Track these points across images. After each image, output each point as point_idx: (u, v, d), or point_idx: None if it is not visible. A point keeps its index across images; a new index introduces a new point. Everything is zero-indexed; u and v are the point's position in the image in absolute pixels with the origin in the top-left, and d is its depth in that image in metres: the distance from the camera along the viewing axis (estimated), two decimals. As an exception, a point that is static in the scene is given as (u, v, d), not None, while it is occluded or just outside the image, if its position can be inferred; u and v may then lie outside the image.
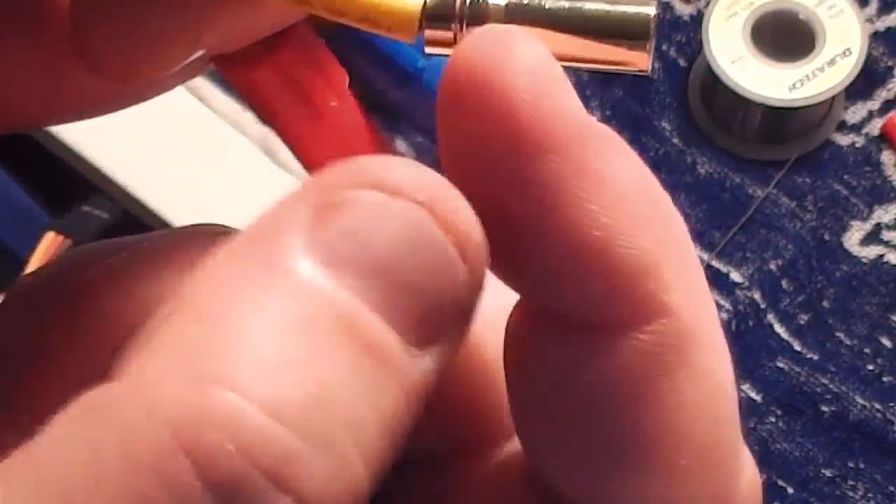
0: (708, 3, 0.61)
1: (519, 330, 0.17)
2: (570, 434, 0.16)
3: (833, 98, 0.61)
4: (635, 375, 0.16)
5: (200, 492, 0.13)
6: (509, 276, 0.17)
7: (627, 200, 0.16)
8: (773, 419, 0.58)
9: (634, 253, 0.16)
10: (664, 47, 0.65)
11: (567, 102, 0.15)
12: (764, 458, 0.57)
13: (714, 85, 0.61)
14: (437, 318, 0.15)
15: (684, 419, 0.16)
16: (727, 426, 0.17)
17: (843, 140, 0.63)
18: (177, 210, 0.64)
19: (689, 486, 0.16)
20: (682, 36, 0.65)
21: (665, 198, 0.16)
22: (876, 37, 0.64)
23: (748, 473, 0.18)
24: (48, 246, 0.60)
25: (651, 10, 0.17)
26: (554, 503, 0.17)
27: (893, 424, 0.58)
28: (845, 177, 0.62)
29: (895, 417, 0.58)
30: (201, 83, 0.66)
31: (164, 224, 0.64)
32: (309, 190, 0.15)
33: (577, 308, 0.16)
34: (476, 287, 0.15)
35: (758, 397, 0.58)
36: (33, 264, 0.59)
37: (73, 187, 0.71)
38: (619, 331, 0.16)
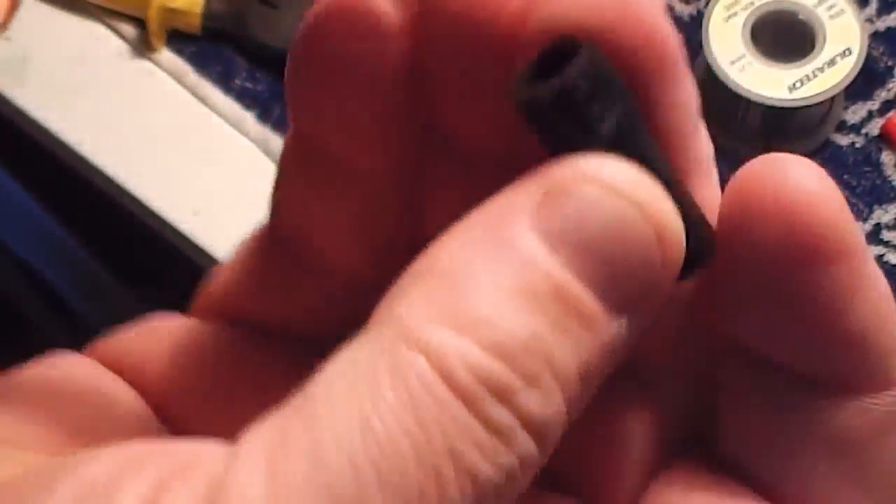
0: (708, 3, 0.61)
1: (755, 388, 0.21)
2: (803, 464, 0.20)
3: (833, 98, 0.61)
4: (868, 427, 0.20)
5: (447, 399, 0.17)
6: (767, 344, 0.20)
7: (881, 303, 0.20)
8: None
9: (885, 341, 0.20)
10: (664, 47, 0.65)
11: (847, 216, 0.19)
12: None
13: (714, 85, 0.61)
14: (634, 291, 0.18)
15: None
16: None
17: (843, 140, 0.63)
18: (177, 210, 0.64)
19: None
20: (681, 36, 0.65)
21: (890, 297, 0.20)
22: (876, 37, 0.64)
23: None
24: None
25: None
26: None
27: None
28: (845, 177, 0.62)
29: (895, 417, 0.58)
30: (201, 83, 0.66)
31: (164, 224, 0.64)
32: (536, 180, 0.18)
33: (831, 375, 0.20)
34: (669, 272, 0.18)
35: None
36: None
37: (73, 188, 0.71)
38: (857, 392, 0.20)
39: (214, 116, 0.66)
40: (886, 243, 0.61)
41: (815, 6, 0.61)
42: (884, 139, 0.63)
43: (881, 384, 0.20)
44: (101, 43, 0.68)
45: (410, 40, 0.20)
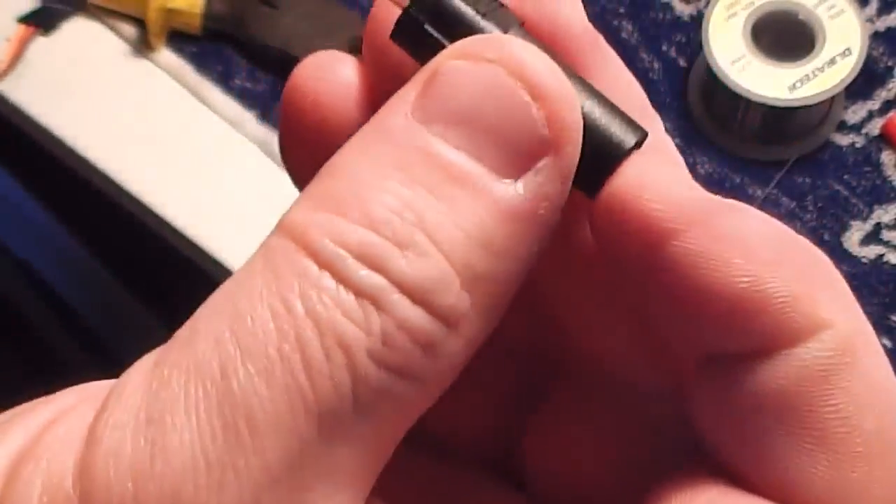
0: (708, 3, 0.61)
1: (697, 374, 0.20)
2: (753, 433, 0.19)
3: (833, 98, 0.61)
4: (808, 379, 0.19)
5: (308, 267, 0.17)
6: (683, 342, 0.20)
7: (761, 248, 0.19)
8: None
9: (783, 285, 0.19)
10: (664, 47, 0.65)
11: (679, 190, 0.19)
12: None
13: (714, 85, 0.61)
14: (519, 151, 0.18)
15: (855, 411, 0.19)
16: (891, 418, 0.20)
17: (843, 140, 0.63)
18: (177, 210, 0.64)
19: (863, 471, 0.19)
20: (682, 36, 0.65)
21: (800, 238, 0.19)
22: (876, 37, 0.64)
23: None
24: (20, 37, 0.67)
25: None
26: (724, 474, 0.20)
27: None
28: (845, 177, 0.62)
29: (895, 417, 0.58)
30: (201, 83, 0.66)
31: (164, 224, 0.64)
32: (416, 77, 0.19)
33: (746, 342, 0.19)
34: (555, 123, 0.18)
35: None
36: (8, 58, 0.67)
37: (73, 188, 0.71)
38: (786, 346, 0.19)
39: (214, 116, 0.66)
40: (886, 243, 0.61)
41: (815, 6, 0.61)
42: (884, 139, 0.63)
43: (801, 333, 0.19)
44: (101, 43, 0.68)
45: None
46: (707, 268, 0.19)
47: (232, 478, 0.17)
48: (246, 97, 0.66)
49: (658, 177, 0.19)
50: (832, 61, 0.60)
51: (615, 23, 0.66)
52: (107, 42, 0.68)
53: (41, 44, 0.68)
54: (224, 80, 0.66)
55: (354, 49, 0.64)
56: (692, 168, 0.63)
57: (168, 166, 0.65)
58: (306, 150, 0.22)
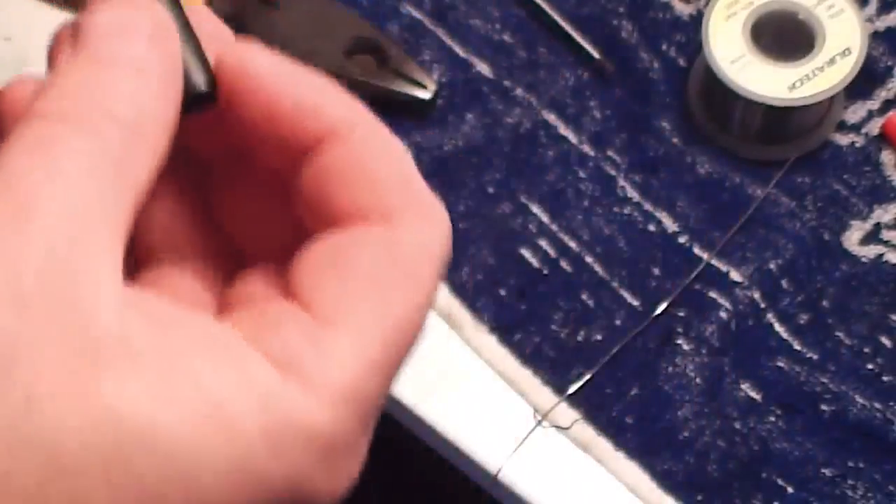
0: (708, 3, 0.61)
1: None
2: (326, 192, 0.28)
3: (833, 98, 0.61)
4: (349, 156, 0.28)
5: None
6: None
7: (279, 80, 0.28)
8: (772, 419, 0.58)
9: (289, 98, 0.28)
10: (664, 47, 0.65)
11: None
12: (764, 458, 0.57)
13: (714, 85, 0.61)
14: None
15: (379, 162, 0.28)
16: (401, 162, 0.28)
17: (843, 140, 0.63)
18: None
19: (393, 193, 0.27)
20: (682, 36, 0.65)
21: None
22: (876, 36, 0.65)
23: (431, 197, 0.28)
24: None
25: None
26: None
27: (893, 424, 0.58)
28: (845, 176, 0.62)
29: (895, 417, 0.58)
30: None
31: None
32: None
33: (284, 145, 0.28)
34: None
35: (758, 397, 0.58)
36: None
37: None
38: (324, 141, 0.28)
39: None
40: (886, 242, 0.61)
41: (815, 6, 0.61)
42: (884, 139, 0.63)
43: (326, 132, 0.28)
44: (102, 43, 0.68)
45: None
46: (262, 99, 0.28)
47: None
48: (246, 97, 0.66)
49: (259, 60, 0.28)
50: (832, 61, 0.60)
51: (615, 23, 0.66)
52: (107, 42, 0.68)
53: (41, 43, 0.68)
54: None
55: (354, 49, 0.64)
56: (692, 168, 0.63)
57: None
58: None
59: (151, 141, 0.26)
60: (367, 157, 0.27)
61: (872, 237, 0.61)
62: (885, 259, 0.61)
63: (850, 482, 0.57)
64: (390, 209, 0.27)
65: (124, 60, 0.26)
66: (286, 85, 0.28)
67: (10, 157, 0.24)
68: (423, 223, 0.27)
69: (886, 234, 0.61)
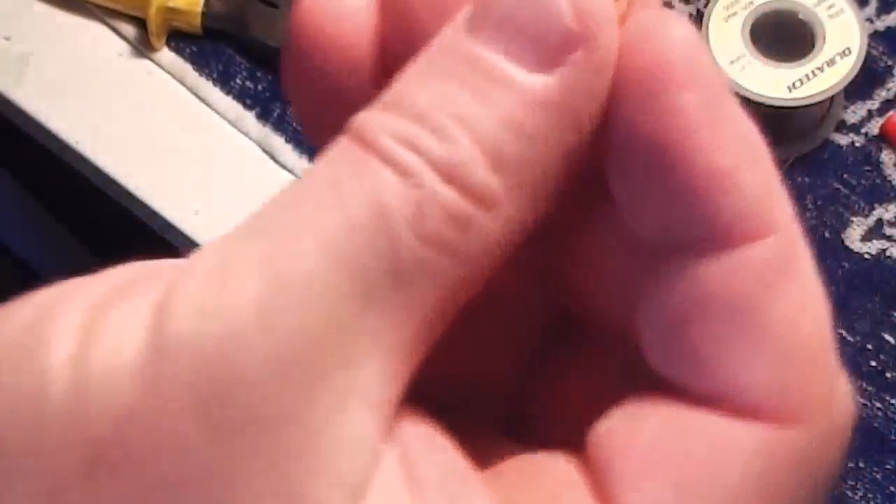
0: (708, 3, 0.61)
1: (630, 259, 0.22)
2: (695, 337, 0.20)
3: (832, 98, 0.61)
4: (757, 279, 0.20)
5: (364, 151, 0.19)
6: (637, 201, 0.21)
7: (750, 139, 0.20)
8: (773, 419, 0.58)
9: (755, 179, 0.20)
10: (664, 47, 0.65)
11: (708, 59, 0.20)
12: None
13: (714, 85, 0.61)
14: (551, 45, 0.20)
15: (798, 315, 0.20)
16: (828, 328, 0.21)
17: (843, 140, 0.63)
18: (177, 210, 0.64)
19: (805, 371, 0.20)
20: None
21: (763, 138, 0.21)
22: (875, 36, 0.64)
23: (844, 380, 0.21)
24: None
25: None
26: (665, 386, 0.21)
27: (895, 423, 0.58)
28: (845, 176, 0.62)
29: None
30: (201, 83, 0.66)
31: (164, 223, 0.64)
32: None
33: (703, 228, 0.20)
34: (583, 16, 0.20)
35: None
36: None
37: (73, 188, 0.71)
38: (742, 243, 0.20)
39: (214, 116, 0.66)
40: (889, 237, 0.61)
41: (815, 6, 0.61)
42: (884, 138, 0.63)
43: (755, 231, 0.20)
44: (101, 43, 0.68)
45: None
46: (707, 137, 0.20)
47: (276, 321, 0.18)
48: (246, 97, 0.66)
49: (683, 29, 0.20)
50: (832, 61, 0.60)
51: (615, 22, 0.66)
52: (107, 42, 0.68)
53: (41, 43, 0.68)
54: (224, 80, 0.66)
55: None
56: (692, 168, 0.63)
57: (168, 166, 0.65)
58: (316, 86, 0.23)
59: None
60: (789, 309, 0.20)
61: (874, 233, 0.61)
62: (888, 255, 0.61)
63: (849, 482, 0.57)
64: (795, 404, 0.19)
65: None
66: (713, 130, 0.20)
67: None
68: (828, 426, 0.20)
69: (889, 230, 0.61)
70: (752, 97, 0.59)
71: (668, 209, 0.20)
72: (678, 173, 0.20)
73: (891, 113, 0.63)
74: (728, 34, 0.61)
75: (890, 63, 0.64)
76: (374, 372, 0.19)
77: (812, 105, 0.60)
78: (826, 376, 0.20)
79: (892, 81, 0.64)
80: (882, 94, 0.64)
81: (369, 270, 0.18)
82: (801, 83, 0.60)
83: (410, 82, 0.20)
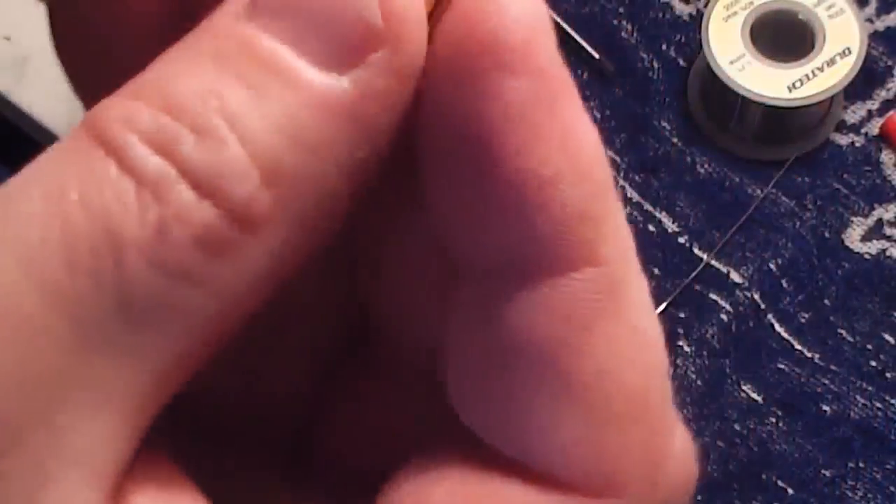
0: (707, 3, 0.61)
1: (444, 285, 0.18)
2: (502, 386, 0.16)
3: (832, 98, 0.61)
4: (568, 320, 0.16)
5: (93, 155, 0.15)
6: (455, 217, 0.17)
7: (582, 149, 0.16)
8: (773, 420, 0.58)
9: (580, 198, 0.16)
10: (664, 47, 0.65)
11: (551, 47, 0.16)
12: (764, 459, 0.57)
13: (713, 85, 0.61)
14: (348, 42, 0.16)
15: (617, 366, 0.16)
16: (659, 380, 0.17)
17: (843, 140, 0.63)
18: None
19: (623, 433, 0.16)
20: (681, 36, 0.65)
21: (605, 156, 0.17)
22: (875, 37, 0.64)
23: (681, 437, 0.17)
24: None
25: None
26: (469, 440, 0.17)
27: (894, 423, 0.58)
28: (845, 176, 0.62)
29: None
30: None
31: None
32: None
33: (511, 250, 0.16)
34: (391, 14, 0.16)
35: (758, 398, 0.58)
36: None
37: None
38: (552, 273, 0.16)
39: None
40: (888, 237, 0.61)
41: (815, 6, 0.61)
42: (883, 139, 0.63)
43: (573, 261, 0.16)
44: (101, 43, 0.68)
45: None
46: (517, 128, 0.16)
47: None
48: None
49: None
50: (832, 61, 0.60)
51: (615, 22, 0.66)
52: (106, 42, 0.68)
53: (41, 43, 0.68)
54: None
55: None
56: (692, 168, 0.63)
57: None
58: (84, 40, 0.19)
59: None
60: (609, 358, 0.16)
61: (875, 233, 0.61)
62: (888, 255, 0.61)
63: (850, 483, 0.57)
64: (609, 472, 0.16)
65: None
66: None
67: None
68: (652, 496, 0.17)
69: (889, 230, 0.61)
70: (752, 97, 0.59)
71: (477, 224, 0.17)
72: (489, 179, 0.16)
73: (891, 113, 0.63)
74: (728, 34, 0.61)
75: (890, 63, 0.64)
76: (95, 432, 0.15)
77: (812, 105, 0.60)
78: (652, 437, 0.17)
79: (892, 81, 0.64)
80: (882, 94, 0.64)
81: (90, 307, 0.15)
82: (801, 83, 0.60)
83: (169, 66, 0.16)
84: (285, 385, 0.21)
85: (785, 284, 0.60)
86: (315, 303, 0.20)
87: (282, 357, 0.20)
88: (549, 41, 0.16)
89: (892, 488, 0.57)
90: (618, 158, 0.63)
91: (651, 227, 0.62)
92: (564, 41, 0.65)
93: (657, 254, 0.61)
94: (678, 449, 0.17)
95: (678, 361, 0.59)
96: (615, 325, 0.16)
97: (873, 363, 0.59)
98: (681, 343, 0.59)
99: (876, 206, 0.62)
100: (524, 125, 0.16)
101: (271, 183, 0.15)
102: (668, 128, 0.63)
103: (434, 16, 0.17)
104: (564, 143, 0.16)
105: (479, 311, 0.17)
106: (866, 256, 0.61)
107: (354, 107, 0.16)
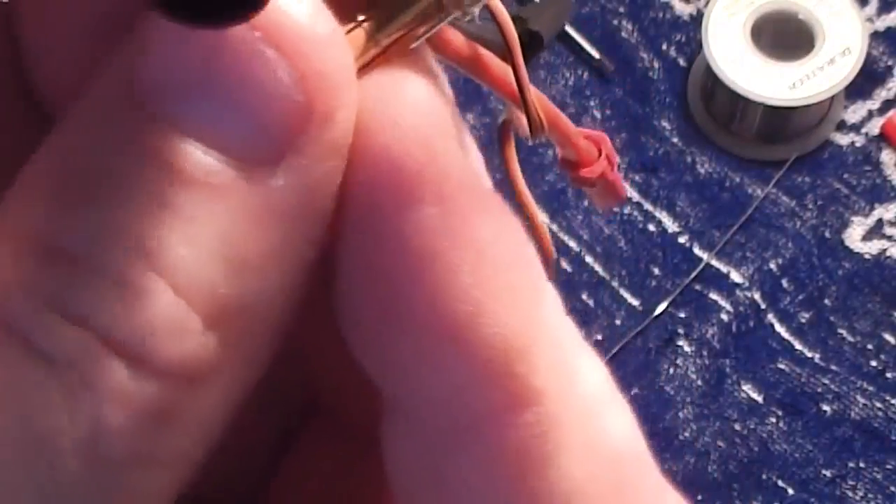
0: (708, 3, 0.61)
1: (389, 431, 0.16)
2: None
3: (832, 97, 0.61)
4: (513, 469, 0.14)
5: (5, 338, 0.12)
6: (375, 364, 0.15)
7: (501, 271, 0.14)
8: (773, 420, 0.58)
9: (504, 334, 0.14)
10: (664, 47, 0.65)
11: (453, 158, 0.14)
12: (764, 459, 0.57)
13: (714, 84, 0.61)
14: (273, 128, 0.13)
15: (581, 496, 0.14)
16: (632, 483, 0.15)
17: (843, 139, 0.63)
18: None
19: None
20: (682, 36, 0.65)
21: (536, 263, 0.14)
22: (876, 36, 0.64)
23: None
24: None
25: None
26: None
27: (895, 423, 0.58)
28: (845, 176, 0.62)
29: None
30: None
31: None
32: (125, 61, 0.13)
33: (441, 402, 0.14)
34: (313, 85, 0.13)
35: (759, 398, 0.58)
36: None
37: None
38: (487, 426, 0.14)
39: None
40: (889, 237, 0.61)
41: (815, 5, 0.61)
42: (884, 138, 0.63)
43: (516, 400, 0.14)
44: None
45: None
46: (440, 268, 0.13)
47: None
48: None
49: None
50: (832, 61, 0.60)
51: (615, 22, 0.66)
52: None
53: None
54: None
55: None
56: (692, 168, 0.63)
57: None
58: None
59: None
60: None
61: (875, 233, 0.61)
62: (888, 254, 0.61)
63: (850, 482, 0.57)
64: None
65: None
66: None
67: None
68: None
69: (889, 230, 0.61)
70: (752, 97, 0.59)
71: (394, 368, 0.14)
72: (406, 319, 0.14)
73: (891, 113, 0.63)
74: (728, 34, 0.61)
75: (890, 63, 0.64)
76: None
77: (812, 105, 0.60)
78: None
79: (892, 81, 0.64)
80: (882, 94, 0.64)
81: None
82: (802, 83, 0.60)
83: (56, 198, 0.12)
84: (237, 458, 0.18)
85: (785, 284, 0.60)
86: (265, 379, 0.17)
87: (233, 433, 0.18)
88: (451, 154, 0.14)
89: (892, 488, 0.57)
90: (618, 158, 0.62)
91: (651, 227, 0.62)
92: (564, 41, 0.65)
93: (657, 254, 0.61)
94: None
95: (678, 361, 0.59)
96: (566, 460, 0.14)
97: (873, 363, 0.59)
98: (681, 343, 0.59)
99: (876, 205, 0.62)
100: (438, 260, 0.13)
101: (214, 324, 0.13)
102: (668, 128, 0.63)
103: (373, 64, 0.14)
104: (488, 266, 0.14)
105: (418, 460, 0.14)
106: (866, 256, 0.61)
107: (293, 203, 0.13)
